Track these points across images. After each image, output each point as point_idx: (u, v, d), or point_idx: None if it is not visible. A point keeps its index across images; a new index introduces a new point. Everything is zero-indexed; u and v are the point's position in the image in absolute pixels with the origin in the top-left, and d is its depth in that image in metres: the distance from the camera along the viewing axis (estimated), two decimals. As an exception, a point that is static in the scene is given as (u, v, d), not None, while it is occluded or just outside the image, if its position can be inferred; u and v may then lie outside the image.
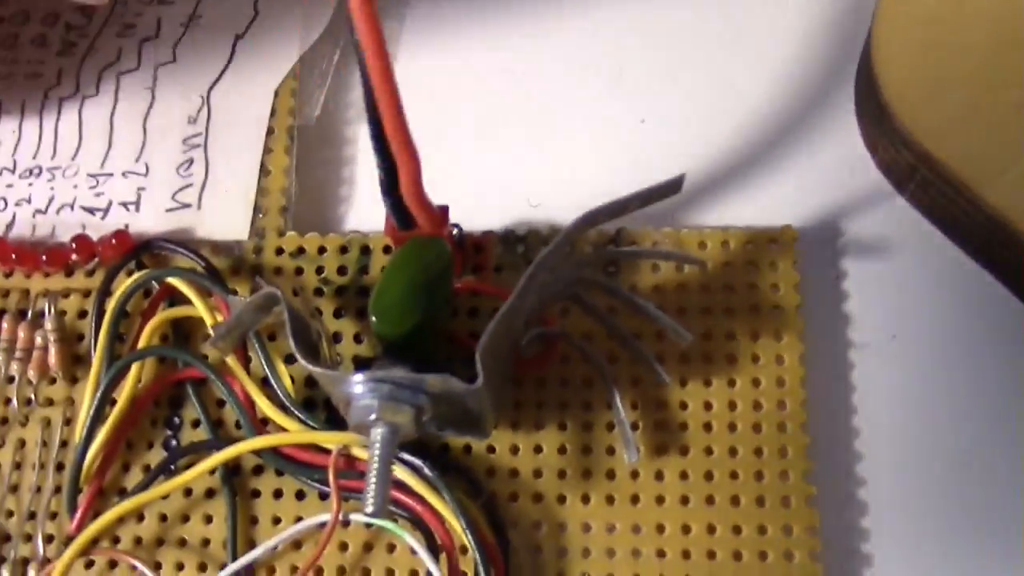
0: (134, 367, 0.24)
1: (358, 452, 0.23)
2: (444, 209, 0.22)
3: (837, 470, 0.23)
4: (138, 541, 0.24)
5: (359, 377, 0.20)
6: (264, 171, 0.26)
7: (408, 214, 0.21)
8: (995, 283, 0.24)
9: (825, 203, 0.26)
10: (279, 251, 0.25)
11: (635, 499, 0.23)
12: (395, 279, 0.21)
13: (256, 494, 0.24)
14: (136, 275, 0.24)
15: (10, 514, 0.24)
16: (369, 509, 0.20)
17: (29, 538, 0.24)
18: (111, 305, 0.24)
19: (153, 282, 0.25)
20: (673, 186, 0.21)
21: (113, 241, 0.25)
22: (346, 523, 0.23)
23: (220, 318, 0.24)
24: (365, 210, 0.26)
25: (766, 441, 0.23)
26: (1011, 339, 0.24)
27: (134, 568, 0.23)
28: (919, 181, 0.24)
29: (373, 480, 0.20)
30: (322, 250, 0.25)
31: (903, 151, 0.24)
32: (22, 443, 0.25)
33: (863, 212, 0.25)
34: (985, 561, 0.23)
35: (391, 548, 0.23)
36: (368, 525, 0.23)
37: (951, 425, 0.24)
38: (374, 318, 0.21)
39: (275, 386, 0.24)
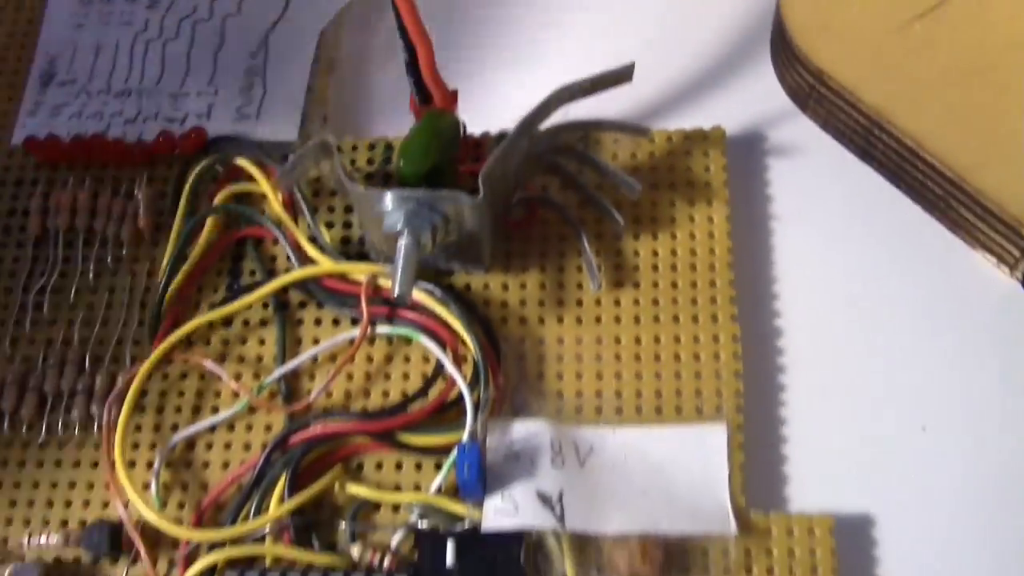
0: (208, 222, 0.30)
1: (383, 282, 0.29)
2: (454, 92, 0.29)
3: (757, 297, 0.30)
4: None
5: (389, 195, 0.27)
6: (310, 91, 0.33)
7: (426, 90, 0.28)
8: (876, 175, 0.32)
9: (747, 120, 0.33)
10: (321, 148, 0.32)
11: (598, 319, 0.29)
12: (417, 135, 0.28)
13: (300, 322, 0.30)
14: (210, 157, 0.31)
15: (101, 341, 0.30)
16: (397, 291, 0.26)
17: (116, 359, 0.30)
18: (188, 182, 0.31)
19: (218, 167, 0.32)
20: (624, 73, 0.28)
21: (191, 136, 0.32)
22: (372, 340, 0.29)
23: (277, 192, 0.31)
24: (390, 120, 0.33)
25: (700, 276, 0.29)
26: (887, 217, 0.31)
27: (202, 376, 0.29)
28: (815, 98, 0.32)
29: (400, 269, 0.26)
30: (355, 148, 0.32)
31: (803, 74, 0.32)
32: (111, 289, 0.31)
33: (775, 126, 0.33)
34: (882, 378, 0.29)
35: (406, 359, 0.29)
36: (390, 340, 0.29)
37: (846, 279, 0.30)
38: (401, 161, 0.28)
39: (319, 239, 0.30)
